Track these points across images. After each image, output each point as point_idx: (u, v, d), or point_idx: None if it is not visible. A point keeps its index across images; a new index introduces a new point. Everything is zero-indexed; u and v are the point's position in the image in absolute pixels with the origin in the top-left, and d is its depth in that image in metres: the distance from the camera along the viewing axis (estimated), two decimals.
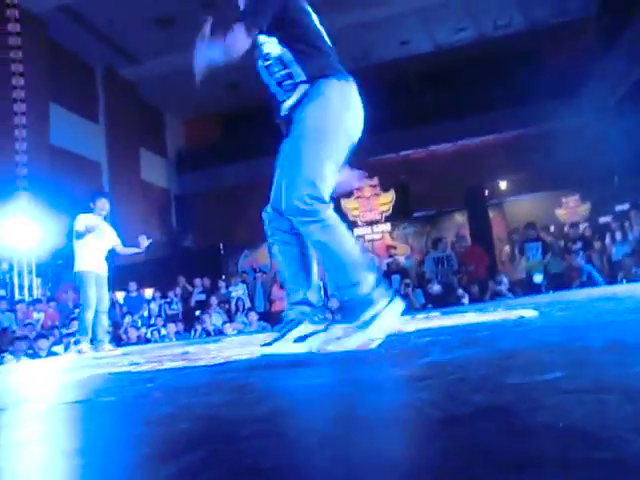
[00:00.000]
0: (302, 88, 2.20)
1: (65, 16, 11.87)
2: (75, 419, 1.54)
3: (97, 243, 5.85)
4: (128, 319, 9.54)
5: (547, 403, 1.00)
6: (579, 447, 0.74)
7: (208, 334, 9.03)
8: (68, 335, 8.21)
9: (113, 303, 10.38)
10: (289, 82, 2.24)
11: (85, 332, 5.72)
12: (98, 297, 5.87)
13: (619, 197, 10.86)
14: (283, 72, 2.24)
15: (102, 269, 5.99)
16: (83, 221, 5.75)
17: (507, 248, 10.24)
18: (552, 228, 10.55)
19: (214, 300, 9.87)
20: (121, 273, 11.97)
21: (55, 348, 7.75)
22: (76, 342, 7.98)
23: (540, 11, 13.70)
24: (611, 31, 12.05)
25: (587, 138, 12.64)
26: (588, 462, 0.68)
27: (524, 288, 8.91)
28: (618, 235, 9.14)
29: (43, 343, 7.34)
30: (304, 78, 2.20)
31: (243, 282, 10.74)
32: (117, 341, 8.96)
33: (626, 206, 9.98)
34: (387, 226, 13.41)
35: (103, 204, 6.02)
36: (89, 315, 5.77)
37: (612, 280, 8.63)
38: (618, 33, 11.44)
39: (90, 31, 12.63)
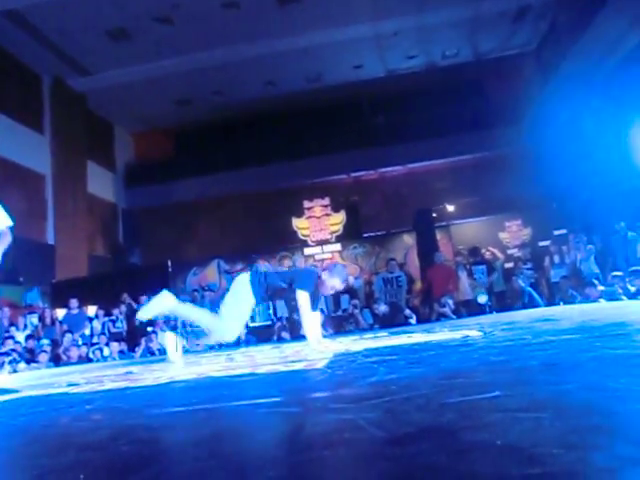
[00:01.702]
0: None
1: (11, 22, 11.47)
2: (6, 445, 1.46)
3: None
4: (68, 337, 9.13)
5: (485, 421, 1.03)
6: (513, 463, 0.76)
7: (152, 353, 8.77)
8: (2, 355, 7.78)
9: (53, 321, 9.94)
10: None
11: None
12: None
13: (558, 222, 11.39)
14: None
15: None
16: None
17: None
18: (496, 251, 10.92)
19: (159, 321, 9.61)
20: (62, 289, 11.51)
21: None
22: (11, 362, 7.58)
23: (486, 44, 14.36)
24: (550, 64, 12.76)
25: (529, 165, 13.24)
26: (521, 477, 0.70)
27: (470, 309, 9.15)
28: (556, 258, 9.57)
29: None
30: None
31: (192, 300, 10.52)
32: (56, 360, 8.56)
33: (564, 231, 10.47)
34: (337, 246, 13.52)
35: None
36: None
37: (551, 301, 8.99)
38: (556, 66, 12.13)
39: (38, 39, 12.25)
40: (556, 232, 11.02)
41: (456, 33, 13.66)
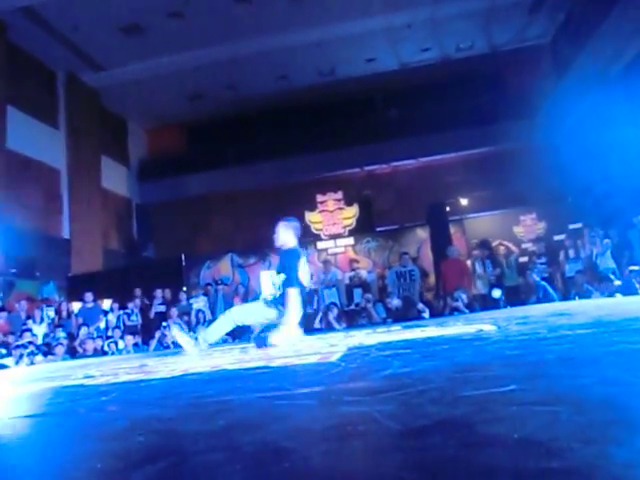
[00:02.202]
0: None
1: (26, 18, 11.58)
2: (26, 434, 1.48)
3: None
4: (84, 331, 9.25)
5: (502, 415, 1.02)
6: (531, 457, 0.76)
7: (166, 347, 8.84)
8: (19, 347, 7.89)
9: (69, 314, 10.06)
10: None
11: None
12: None
13: (572, 216, 11.26)
14: None
15: None
16: None
17: (468, 263, 10.47)
18: (511, 245, 10.82)
19: (174, 311, 9.69)
20: (77, 283, 11.64)
21: (5, 361, 7.44)
22: (29, 354, 7.69)
23: (501, 36, 14.19)
24: (566, 57, 12.59)
25: (544, 159, 13.09)
26: (539, 472, 0.70)
27: (484, 303, 9.10)
28: (571, 253, 9.47)
29: None
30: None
31: (205, 294, 10.59)
32: (72, 353, 8.67)
33: (579, 225, 10.35)
34: (350, 240, 13.49)
35: None
36: None
37: (566, 296, 8.90)
38: (572, 59, 11.96)
39: (53, 35, 12.35)
40: (571, 226, 10.89)
41: (470, 25, 13.52)
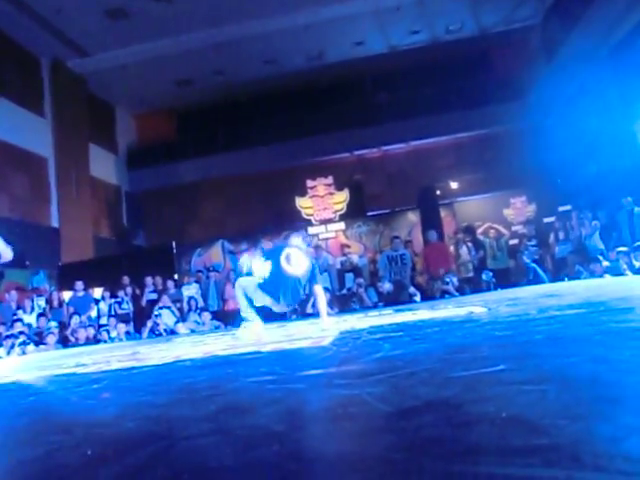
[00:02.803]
0: None
1: (8, 3, 11.32)
2: (17, 422, 1.48)
3: None
4: (76, 319, 9.20)
5: (491, 394, 1.03)
6: (519, 435, 0.76)
7: (159, 334, 8.83)
8: (10, 337, 7.85)
9: (60, 303, 10.01)
10: None
11: None
12: None
13: (562, 199, 11.30)
14: None
15: None
16: None
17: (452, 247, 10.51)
18: (500, 228, 10.84)
19: (165, 298, 9.66)
20: (68, 272, 11.56)
21: None
22: (21, 344, 7.66)
23: (490, 17, 14.08)
24: (555, 39, 12.53)
25: (533, 141, 13.10)
26: (527, 448, 0.70)
27: (474, 286, 9.15)
28: (561, 234, 9.51)
29: None
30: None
31: (197, 281, 10.56)
32: (64, 342, 8.64)
33: (568, 207, 10.39)
34: (341, 225, 13.46)
35: None
36: None
37: (556, 277, 8.97)
38: (561, 41, 11.91)
39: (36, 20, 12.08)
40: (561, 208, 10.94)
41: (460, 6, 13.39)
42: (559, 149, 11.80)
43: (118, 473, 0.76)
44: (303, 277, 4.37)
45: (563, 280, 8.27)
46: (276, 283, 4.20)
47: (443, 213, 12.10)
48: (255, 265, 4.48)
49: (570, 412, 0.84)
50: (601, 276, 7.43)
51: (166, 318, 9.29)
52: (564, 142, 11.78)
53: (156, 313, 9.29)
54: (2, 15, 11.58)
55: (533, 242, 9.97)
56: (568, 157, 11.82)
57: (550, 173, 12.65)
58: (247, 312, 4.26)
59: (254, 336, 3.75)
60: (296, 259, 4.39)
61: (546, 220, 11.36)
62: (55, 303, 9.98)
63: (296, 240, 4.62)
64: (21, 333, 8.20)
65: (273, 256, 4.36)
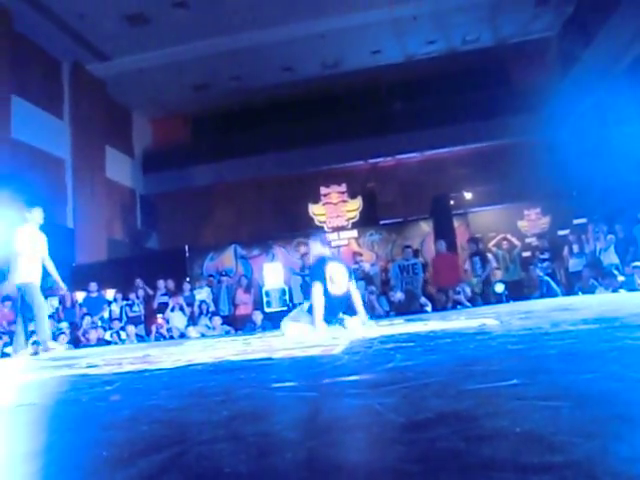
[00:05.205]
0: None
1: (31, 7, 11.53)
2: (32, 422, 1.50)
3: (32, 256, 5.83)
4: (87, 320, 9.30)
5: (504, 409, 1.02)
6: (534, 451, 0.76)
7: (165, 337, 8.88)
8: None
9: (73, 303, 10.11)
10: None
11: (53, 338, 5.72)
12: (36, 304, 5.77)
13: (577, 211, 11.22)
14: None
15: (38, 279, 5.93)
16: (21, 238, 5.74)
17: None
18: (513, 239, 10.78)
19: (179, 299, 9.74)
20: (82, 273, 11.68)
21: (9, 349, 7.48)
22: (34, 343, 7.73)
23: (507, 28, 14.08)
24: (572, 51, 12.48)
25: (549, 154, 13.03)
26: (542, 465, 0.70)
27: (486, 297, 9.09)
28: (575, 248, 9.44)
29: None
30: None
31: (208, 285, 10.62)
32: (75, 342, 8.72)
33: (583, 220, 10.31)
34: (353, 233, 13.48)
35: (38, 214, 5.96)
36: (46, 321, 5.77)
37: (569, 291, 8.89)
38: (579, 53, 11.86)
39: (58, 25, 12.30)
40: (576, 221, 10.85)
41: (477, 17, 13.41)
42: (574, 162, 11.72)
43: (133, 476, 0.77)
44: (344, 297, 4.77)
45: (577, 294, 8.18)
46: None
47: (456, 223, 12.06)
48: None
49: (585, 430, 0.83)
50: (616, 291, 7.35)
51: (177, 321, 9.35)
52: (580, 155, 11.70)
53: (160, 316, 9.33)
54: (25, 19, 11.80)
55: (545, 255, 9.86)
56: (584, 170, 11.73)
57: (565, 186, 12.56)
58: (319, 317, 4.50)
59: (299, 338, 3.93)
60: (339, 276, 4.78)
61: (560, 233, 11.26)
62: (68, 303, 10.08)
63: (317, 246, 5.05)
64: (33, 332, 8.27)
65: (320, 275, 4.69)
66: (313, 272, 4.86)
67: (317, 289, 4.57)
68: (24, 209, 6.02)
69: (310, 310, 4.59)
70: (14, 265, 5.75)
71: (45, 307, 5.89)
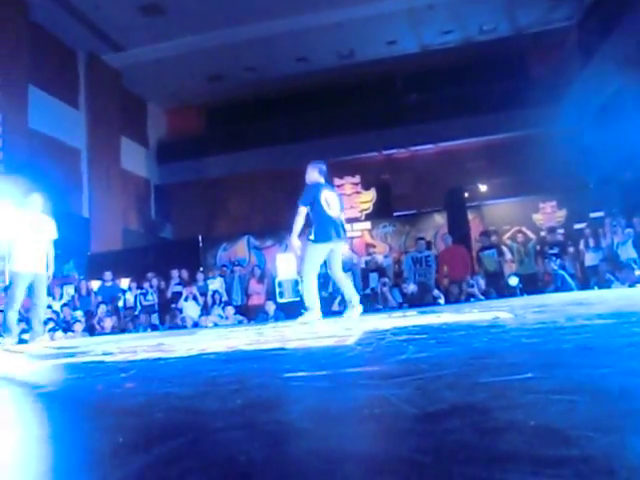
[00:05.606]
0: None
1: None
2: (47, 407, 1.52)
3: (32, 242, 5.49)
4: (102, 309, 9.41)
5: (519, 402, 1.02)
6: (549, 444, 0.76)
7: (180, 327, 8.95)
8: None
9: (88, 292, 10.24)
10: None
11: (9, 331, 5.41)
12: (36, 293, 5.55)
13: (594, 205, 11.07)
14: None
15: (39, 267, 5.57)
16: (17, 224, 5.47)
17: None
18: (528, 232, 10.65)
19: (193, 289, 9.81)
20: (97, 262, 11.82)
21: (26, 336, 7.60)
22: (50, 330, 7.86)
23: (525, 18, 13.86)
24: (592, 41, 12.25)
25: (566, 146, 12.84)
26: (557, 459, 0.70)
27: (500, 290, 9.02)
28: (591, 242, 9.32)
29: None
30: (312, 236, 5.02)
31: (221, 275, 10.68)
32: (91, 331, 8.84)
33: (600, 214, 10.17)
34: (367, 224, 13.45)
35: (37, 199, 5.65)
36: (12, 315, 5.44)
37: (585, 285, 8.79)
38: (599, 43, 11.64)
39: (74, 15, 12.37)
40: (592, 214, 10.71)
41: (494, 6, 13.21)
42: (592, 154, 11.55)
43: (150, 461, 0.78)
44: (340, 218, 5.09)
45: (592, 288, 8.10)
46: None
47: (471, 216, 11.98)
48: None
49: (601, 424, 0.82)
50: (633, 285, 7.26)
51: (190, 310, 9.42)
52: (598, 147, 11.52)
53: (172, 306, 9.39)
54: (42, 9, 11.87)
55: (555, 250, 9.72)
56: (602, 163, 11.56)
57: (582, 178, 12.39)
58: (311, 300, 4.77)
59: (314, 326, 4.08)
60: (333, 203, 5.06)
61: (577, 226, 11.13)
62: (83, 291, 10.21)
63: (314, 174, 5.24)
64: (50, 319, 8.41)
65: (307, 201, 5.02)
66: (303, 196, 5.04)
67: (301, 212, 4.94)
68: (25, 196, 5.77)
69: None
70: (10, 252, 5.44)
71: (19, 302, 5.47)
